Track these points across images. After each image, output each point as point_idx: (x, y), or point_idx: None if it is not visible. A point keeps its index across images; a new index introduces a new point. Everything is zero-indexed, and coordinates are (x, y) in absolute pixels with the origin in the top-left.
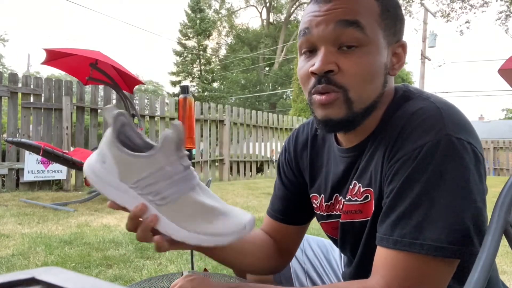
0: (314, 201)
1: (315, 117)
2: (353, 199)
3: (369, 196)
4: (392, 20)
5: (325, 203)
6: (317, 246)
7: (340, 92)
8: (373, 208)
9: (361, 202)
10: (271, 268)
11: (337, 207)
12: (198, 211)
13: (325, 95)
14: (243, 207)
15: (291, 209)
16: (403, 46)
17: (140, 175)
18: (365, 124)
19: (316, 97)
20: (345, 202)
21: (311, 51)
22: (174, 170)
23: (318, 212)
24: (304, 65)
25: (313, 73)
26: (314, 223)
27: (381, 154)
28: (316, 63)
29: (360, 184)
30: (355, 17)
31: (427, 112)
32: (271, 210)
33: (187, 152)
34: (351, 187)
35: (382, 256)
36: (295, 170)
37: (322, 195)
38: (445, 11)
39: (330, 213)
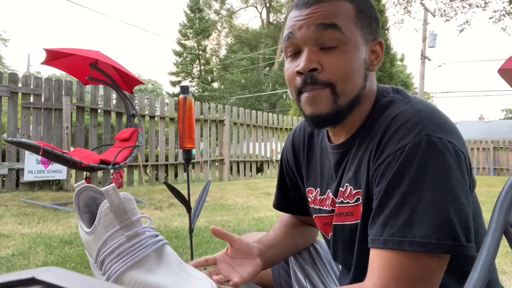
0: (309, 195)
1: (303, 114)
2: (345, 201)
3: (360, 198)
4: (367, 20)
5: (319, 197)
6: (317, 247)
7: (327, 88)
8: (362, 210)
9: (353, 204)
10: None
11: (326, 203)
12: None
13: (312, 91)
14: (243, 207)
15: (297, 201)
16: (380, 44)
17: (94, 252)
18: (351, 120)
19: (304, 95)
20: (337, 205)
21: (296, 54)
22: (116, 244)
23: (312, 206)
24: (290, 67)
25: (298, 72)
26: None
27: (367, 156)
28: (300, 63)
29: (351, 187)
30: (333, 20)
31: (407, 115)
32: (278, 205)
33: (140, 216)
34: (342, 189)
35: (376, 257)
36: (294, 168)
37: (318, 188)
38: (444, 10)
39: (321, 207)
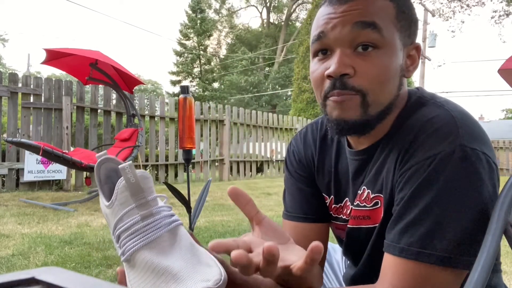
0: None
1: (328, 119)
2: (362, 204)
3: (379, 202)
4: (407, 21)
5: (334, 205)
6: None
7: (358, 95)
8: (382, 215)
9: (370, 208)
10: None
11: (344, 211)
12: (149, 273)
13: (341, 97)
14: None
15: (315, 204)
16: (417, 48)
17: (111, 226)
18: (378, 128)
19: (332, 99)
20: (353, 208)
21: (325, 53)
22: (131, 222)
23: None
24: (317, 68)
25: (329, 76)
26: None
27: (393, 160)
28: (332, 65)
29: (369, 190)
30: (372, 19)
31: (442, 121)
32: (293, 213)
33: (156, 195)
34: (359, 192)
35: (390, 263)
36: (306, 167)
37: (332, 196)
38: (443, 10)
39: (337, 215)
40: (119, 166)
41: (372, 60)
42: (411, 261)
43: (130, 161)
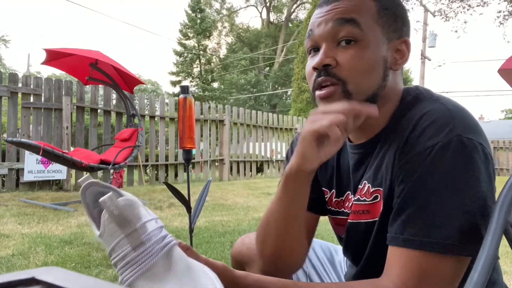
0: (325, 195)
1: None
2: (362, 199)
3: (378, 196)
4: (391, 17)
5: (335, 199)
6: (320, 249)
7: (339, 85)
8: (381, 208)
9: (370, 202)
10: (300, 259)
11: (346, 205)
12: None
13: (324, 89)
14: (243, 207)
15: (310, 196)
16: (406, 43)
17: (107, 252)
18: (371, 121)
19: (317, 92)
20: (354, 202)
21: (316, 51)
22: (123, 252)
23: (327, 207)
24: (309, 64)
25: (314, 68)
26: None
27: (392, 154)
28: (316, 59)
29: (369, 184)
30: (351, 15)
31: (437, 113)
32: None
33: (144, 221)
34: (360, 187)
35: (394, 255)
36: None
37: (333, 190)
38: (444, 10)
39: (338, 209)
40: (100, 200)
41: (352, 52)
42: (415, 251)
43: (110, 193)
